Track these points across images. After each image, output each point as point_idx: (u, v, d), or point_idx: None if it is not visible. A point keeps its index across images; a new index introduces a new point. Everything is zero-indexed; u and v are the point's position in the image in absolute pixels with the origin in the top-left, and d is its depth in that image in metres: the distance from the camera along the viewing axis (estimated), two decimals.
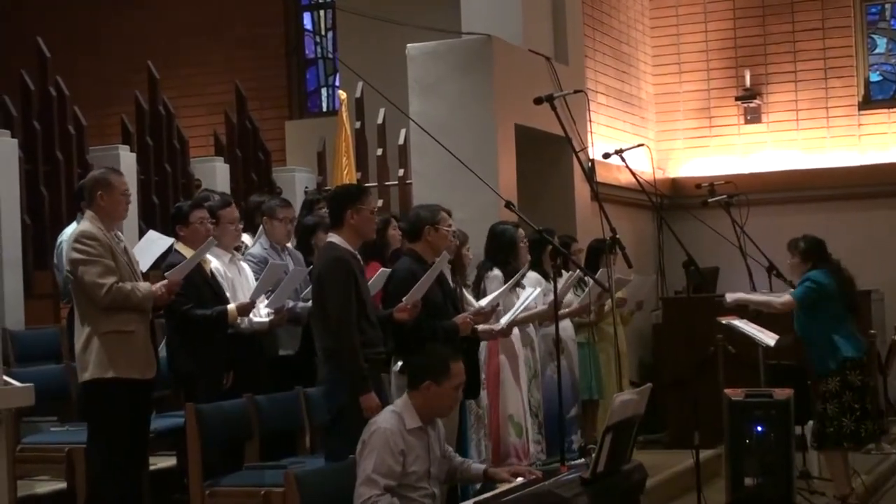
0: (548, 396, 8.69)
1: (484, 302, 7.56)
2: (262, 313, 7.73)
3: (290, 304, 7.77)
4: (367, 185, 12.17)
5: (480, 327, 7.75)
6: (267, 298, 7.69)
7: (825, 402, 8.76)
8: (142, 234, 10.04)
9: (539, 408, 8.68)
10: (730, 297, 9.13)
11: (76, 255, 6.69)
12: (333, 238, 6.63)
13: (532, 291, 8.38)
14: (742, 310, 9.27)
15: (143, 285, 6.87)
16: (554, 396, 8.29)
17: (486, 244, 8.75)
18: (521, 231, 8.71)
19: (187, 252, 7.38)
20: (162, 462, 8.06)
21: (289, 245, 8.38)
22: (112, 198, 6.83)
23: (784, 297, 8.94)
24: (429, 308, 6.92)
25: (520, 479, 5.94)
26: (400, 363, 7.00)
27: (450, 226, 7.32)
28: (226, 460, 7.09)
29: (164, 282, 6.96)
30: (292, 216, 8.44)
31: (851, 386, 8.71)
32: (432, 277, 6.84)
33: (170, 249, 7.66)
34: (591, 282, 8.72)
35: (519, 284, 8.53)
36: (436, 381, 5.78)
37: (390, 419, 5.77)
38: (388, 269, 7.48)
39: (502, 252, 8.60)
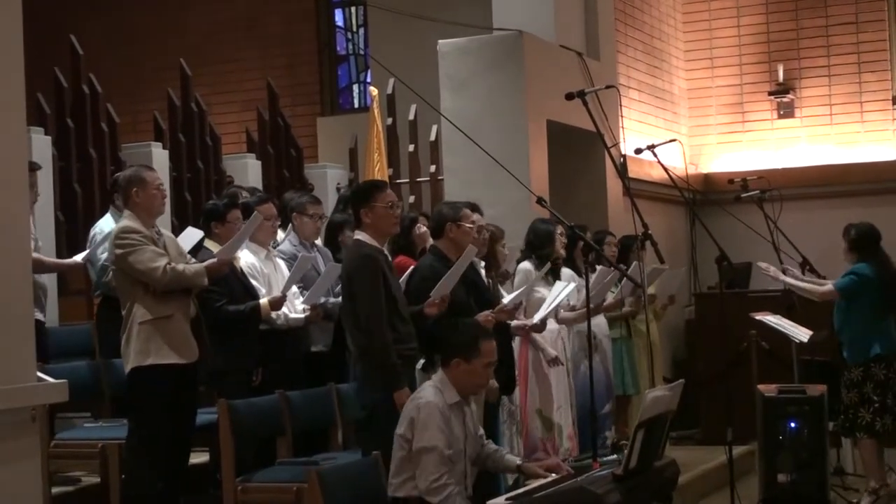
0: (581, 392, 8.67)
1: (507, 299, 7.54)
2: (297, 309, 7.75)
3: (323, 299, 7.78)
4: (398, 181, 12.22)
5: (514, 323, 7.71)
6: (301, 294, 7.70)
7: (847, 390, 8.75)
8: (175, 230, 10.08)
9: (572, 405, 8.65)
10: (773, 272, 9.03)
11: (120, 250, 6.69)
12: (360, 236, 6.66)
13: (565, 285, 8.36)
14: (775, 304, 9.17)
15: (192, 265, 6.91)
16: (587, 392, 8.27)
17: (525, 238, 8.76)
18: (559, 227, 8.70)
19: (217, 250, 7.37)
20: (195, 458, 8.07)
21: (317, 242, 8.39)
22: (147, 193, 6.85)
23: (826, 287, 8.89)
24: (450, 305, 6.91)
25: (552, 476, 5.92)
26: (422, 361, 6.99)
27: (473, 222, 7.30)
28: (258, 456, 7.11)
29: (214, 260, 6.99)
30: (322, 213, 8.45)
31: (874, 378, 8.68)
32: (460, 271, 6.83)
33: (200, 246, 7.68)
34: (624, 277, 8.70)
35: (548, 280, 8.51)
36: (465, 358, 5.79)
37: (434, 394, 5.77)
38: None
39: (538, 241, 8.60)
